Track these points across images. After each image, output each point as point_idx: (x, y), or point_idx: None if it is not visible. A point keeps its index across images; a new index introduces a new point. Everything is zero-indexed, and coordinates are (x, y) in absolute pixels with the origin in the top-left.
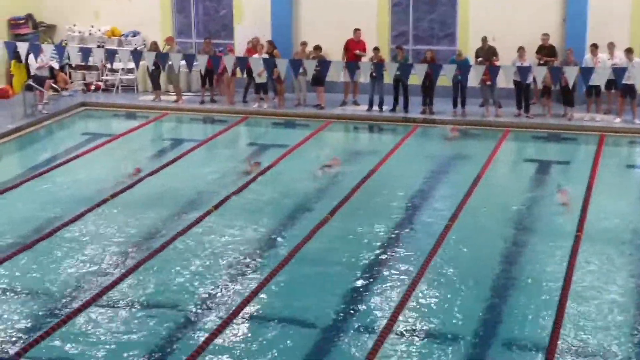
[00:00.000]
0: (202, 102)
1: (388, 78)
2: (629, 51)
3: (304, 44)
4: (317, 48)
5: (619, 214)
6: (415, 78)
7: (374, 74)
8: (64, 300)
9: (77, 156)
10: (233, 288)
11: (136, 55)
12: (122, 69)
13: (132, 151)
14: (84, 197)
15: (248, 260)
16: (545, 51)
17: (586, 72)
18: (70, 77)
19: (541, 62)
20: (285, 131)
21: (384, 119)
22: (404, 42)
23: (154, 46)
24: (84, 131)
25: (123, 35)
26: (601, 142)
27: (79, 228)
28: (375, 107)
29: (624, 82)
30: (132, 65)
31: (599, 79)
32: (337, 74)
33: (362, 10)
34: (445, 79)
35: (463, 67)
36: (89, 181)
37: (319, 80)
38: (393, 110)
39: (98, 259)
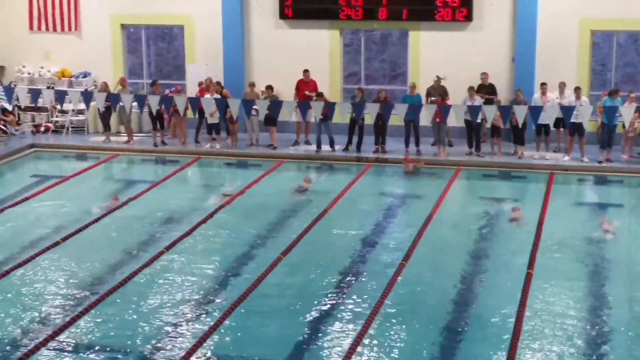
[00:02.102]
0: (156, 145)
1: (340, 118)
2: (577, 90)
3: (252, 84)
4: (269, 88)
5: (569, 251)
6: (368, 117)
7: (321, 116)
8: (13, 345)
9: (27, 198)
10: (186, 329)
11: (87, 96)
12: (73, 110)
13: (83, 192)
14: (34, 239)
15: (201, 300)
16: (485, 89)
17: (535, 111)
18: (19, 119)
19: (483, 100)
20: (238, 171)
21: (337, 158)
22: (356, 82)
23: (105, 87)
24: (33, 173)
25: (73, 76)
26: (551, 180)
27: (28, 271)
28: (326, 147)
29: (572, 120)
30: (82, 106)
31: (548, 118)
32: (289, 114)
33: (313, 51)
34: (397, 118)
35: (416, 102)
36: (38, 223)
37: (271, 120)
38: (346, 149)
39: (47, 302)
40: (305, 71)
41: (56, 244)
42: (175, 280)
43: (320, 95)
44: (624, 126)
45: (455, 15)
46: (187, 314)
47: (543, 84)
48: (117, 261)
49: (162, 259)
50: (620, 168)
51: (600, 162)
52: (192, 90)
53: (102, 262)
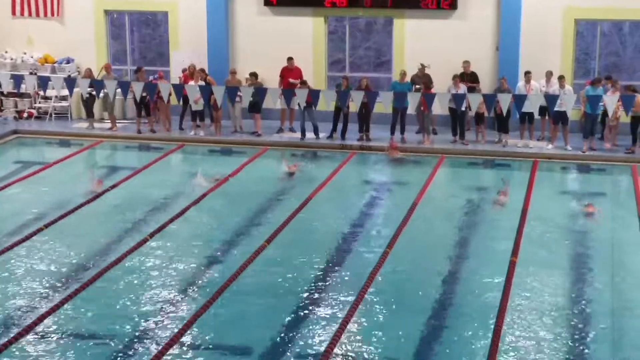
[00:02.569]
0: (139, 132)
1: (324, 105)
2: (560, 79)
3: (234, 72)
4: (253, 75)
5: (552, 239)
6: (353, 105)
7: (305, 104)
8: None
9: (9, 184)
10: (170, 315)
11: (70, 82)
12: (56, 96)
13: (66, 179)
14: (17, 226)
15: (184, 289)
16: (468, 77)
17: (519, 100)
18: (1, 105)
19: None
20: (222, 159)
21: (321, 146)
22: (341, 70)
23: (89, 73)
24: (16, 159)
25: (56, 62)
26: (534, 168)
27: (11, 258)
28: (310, 135)
29: (556, 109)
30: (65, 92)
31: (531, 106)
32: (273, 101)
33: (298, 38)
34: (382, 105)
35: (406, 90)
36: (21, 210)
37: (255, 107)
38: (330, 137)
39: (31, 289)
40: (290, 59)
41: (39, 230)
42: (159, 267)
43: (304, 83)
44: (606, 114)
45: (440, 3)
46: (171, 300)
47: (527, 73)
48: (101, 248)
49: (146, 245)
50: (603, 156)
51: (583, 151)
52: (176, 77)
53: (85, 249)
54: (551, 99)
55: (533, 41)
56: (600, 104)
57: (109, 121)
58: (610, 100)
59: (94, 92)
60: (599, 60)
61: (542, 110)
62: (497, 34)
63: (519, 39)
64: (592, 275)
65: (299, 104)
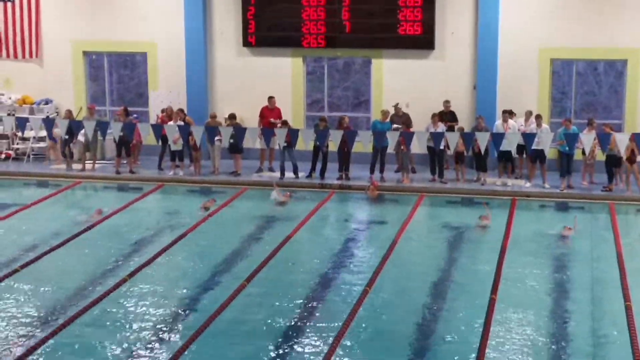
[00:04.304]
0: (118, 172)
1: (303, 145)
2: (538, 118)
3: (214, 116)
4: (232, 117)
5: (532, 277)
6: (332, 145)
7: (285, 143)
8: None
9: None
10: (149, 355)
11: (48, 123)
12: (34, 137)
13: (43, 220)
14: None
15: (161, 331)
16: (448, 117)
17: (497, 138)
18: None
19: (445, 126)
20: (202, 199)
21: (300, 185)
22: (319, 110)
23: (68, 114)
24: None
25: (35, 103)
26: (513, 206)
27: None
28: (290, 174)
29: (533, 147)
30: (43, 133)
31: (509, 145)
32: (252, 141)
33: (276, 79)
34: (361, 145)
35: (387, 129)
36: None
37: (236, 148)
38: (309, 176)
39: (6, 332)
40: (271, 98)
41: (15, 271)
42: (136, 308)
43: (285, 123)
44: (583, 153)
45: (418, 43)
46: (148, 343)
47: (505, 112)
48: (77, 289)
49: (123, 286)
50: (580, 194)
51: (561, 189)
52: (154, 117)
53: (61, 291)
54: (528, 137)
55: (510, 80)
56: (576, 143)
57: (90, 162)
58: (587, 139)
59: (73, 133)
60: (575, 100)
61: (520, 149)
62: (474, 73)
63: (496, 78)
64: (571, 314)
65: (279, 144)
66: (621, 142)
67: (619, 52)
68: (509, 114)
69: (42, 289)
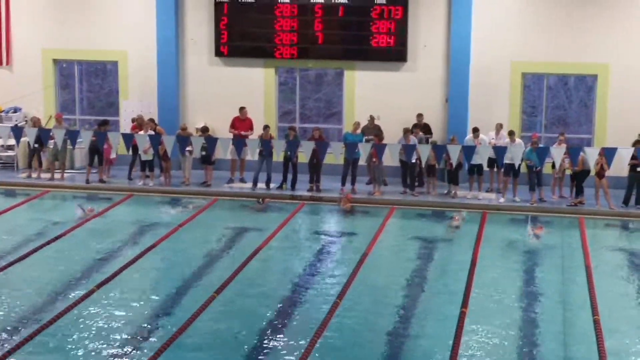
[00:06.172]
0: (88, 182)
1: (275, 156)
2: (511, 134)
3: (184, 128)
4: (205, 130)
5: (501, 290)
6: (303, 156)
7: (262, 152)
8: None
9: None
10: None
11: (17, 131)
12: (2, 146)
13: (11, 230)
14: None
15: (130, 342)
16: (422, 129)
17: (468, 151)
18: None
19: (420, 136)
20: (172, 209)
21: (271, 196)
22: (291, 121)
23: (38, 122)
24: None
25: (3, 111)
26: (484, 220)
27: None
28: (261, 185)
29: (506, 161)
30: (12, 141)
31: (480, 158)
32: (224, 151)
33: (249, 89)
34: (332, 156)
35: (358, 141)
36: None
37: (207, 159)
38: (280, 187)
39: None
40: (242, 108)
41: None
42: (106, 319)
43: (266, 128)
44: (553, 166)
45: (390, 54)
46: (116, 355)
47: (475, 130)
48: (46, 299)
49: (92, 297)
50: (550, 208)
51: (531, 203)
52: (126, 127)
53: (28, 301)
54: (500, 151)
55: (482, 93)
56: (547, 157)
57: (58, 171)
58: (557, 153)
59: (42, 142)
60: (546, 114)
61: (491, 162)
62: (446, 86)
63: (467, 91)
64: (540, 329)
65: (259, 152)
66: (591, 156)
67: (589, 67)
68: (478, 131)
69: (6, 299)
